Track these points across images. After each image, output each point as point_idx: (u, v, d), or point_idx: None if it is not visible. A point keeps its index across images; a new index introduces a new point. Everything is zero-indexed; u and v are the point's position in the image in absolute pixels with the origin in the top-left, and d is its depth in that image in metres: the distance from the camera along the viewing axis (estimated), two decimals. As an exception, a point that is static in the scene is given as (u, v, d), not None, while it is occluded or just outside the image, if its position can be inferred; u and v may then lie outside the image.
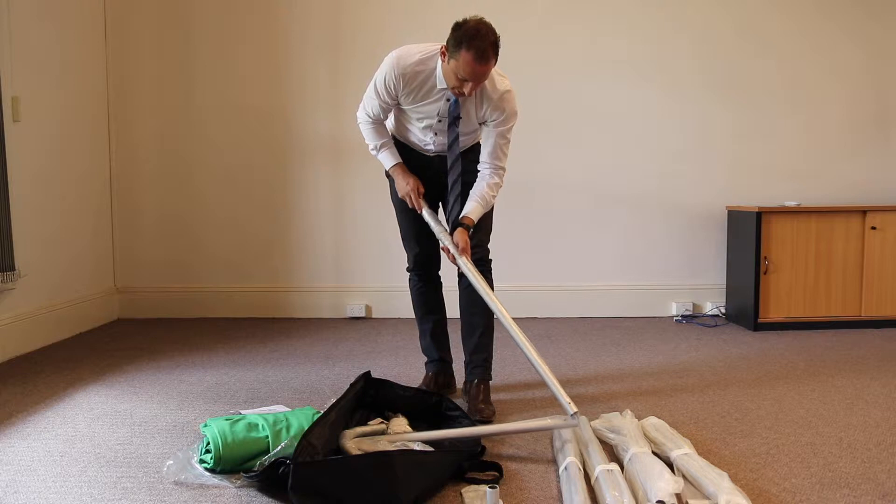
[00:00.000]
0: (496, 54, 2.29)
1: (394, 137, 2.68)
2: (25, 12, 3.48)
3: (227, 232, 4.38)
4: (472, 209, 2.51)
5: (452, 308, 2.79)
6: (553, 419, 2.20)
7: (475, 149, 2.63)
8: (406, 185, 2.57)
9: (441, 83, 2.39)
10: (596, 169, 4.37)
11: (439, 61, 2.37)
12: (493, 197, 2.56)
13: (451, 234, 2.52)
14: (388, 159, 2.61)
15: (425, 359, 2.86)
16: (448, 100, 2.43)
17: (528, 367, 3.16)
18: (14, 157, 3.34)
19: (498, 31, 2.30)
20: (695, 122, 4.38)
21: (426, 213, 2.57)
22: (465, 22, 2.27)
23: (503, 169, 2.56)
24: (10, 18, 3.35)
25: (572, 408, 2.15)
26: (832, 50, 4.39)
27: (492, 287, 2.63)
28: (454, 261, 2.47)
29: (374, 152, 2.65)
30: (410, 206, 2.59)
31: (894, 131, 4.46)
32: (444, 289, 2.85)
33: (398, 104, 2.51)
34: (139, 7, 4.27)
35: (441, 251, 2.60)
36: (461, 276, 2.64)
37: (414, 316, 2.87)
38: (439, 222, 2.56)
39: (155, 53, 4.29)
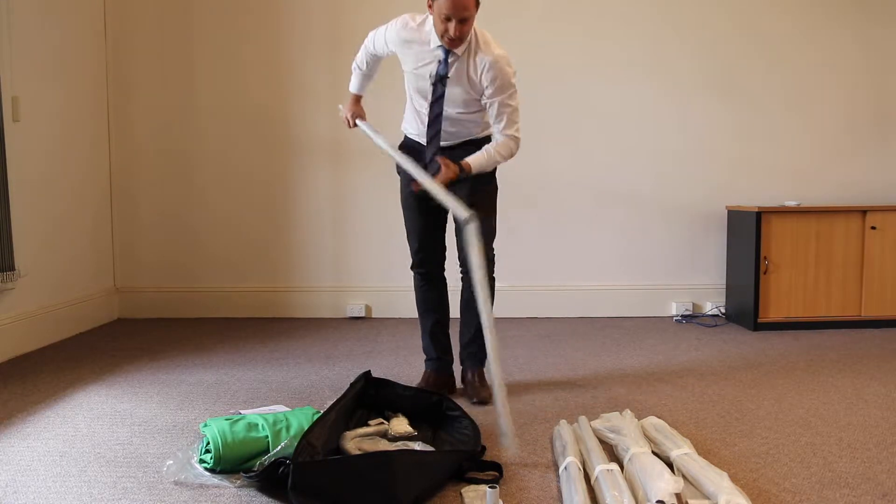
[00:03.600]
0: None
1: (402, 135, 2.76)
2: (25, 12, 3.48)
3: (226, 232, 4.37)
4: (473, 156, 2.54)
5: (454, 309, 2.80)
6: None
7: (472, 143, 2.64)
8: (348, 110, 2.83)
9: (435, 41, 2.46)
10: (596, 169, 4.37)
11: (430, 20, 2.46)
12: (501, 155, 2.57)
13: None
14: (353, 83, 2.85)
15: (425, 357, 2.88)
16: (440, 61, 2.49)
17: (528, 369, 3.17)
18: (14, 157, 3.34)
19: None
20: (695, 122, 4.38)
21: (362, 126, 2.78)
22: None
23: (516, 137, 2.58)
24: (10, 18, 3.34)
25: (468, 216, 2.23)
26: (832, 50, 4.39)
27: (493, 286, 2.65)
28: (418, 188, 2.49)
29: (354, 66, 2.83)
30: (346, 124, 2.83)
31: (893, 131, 4.46)
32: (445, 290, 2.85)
33: (386, 55, 2.70)
34: (139, 7, 4.26)
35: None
36: (464, 276, 2.67)
37: (416, 314, 2.89)
38: (378, 134, 2.68)
39: (155, 53, 4.29)
